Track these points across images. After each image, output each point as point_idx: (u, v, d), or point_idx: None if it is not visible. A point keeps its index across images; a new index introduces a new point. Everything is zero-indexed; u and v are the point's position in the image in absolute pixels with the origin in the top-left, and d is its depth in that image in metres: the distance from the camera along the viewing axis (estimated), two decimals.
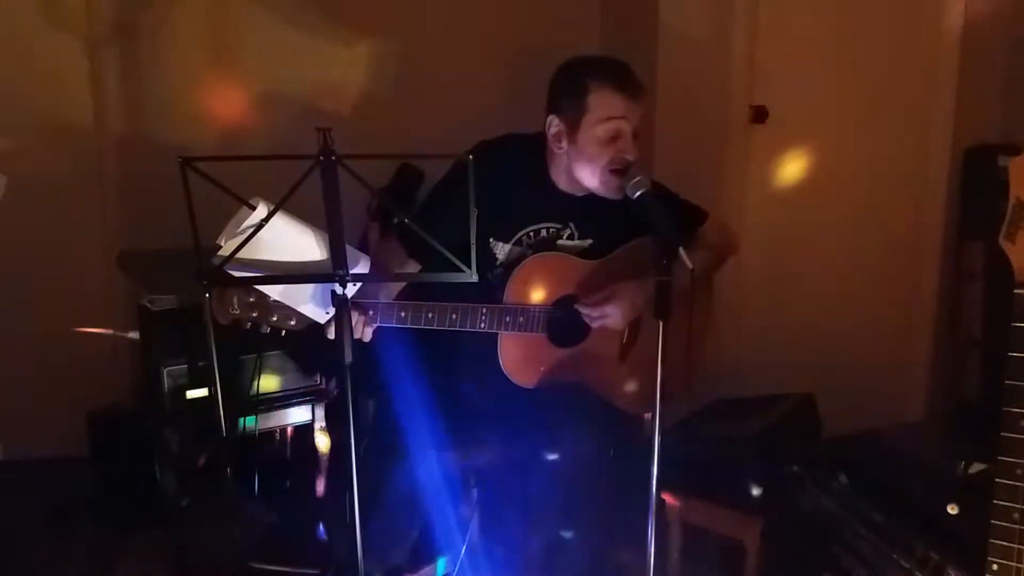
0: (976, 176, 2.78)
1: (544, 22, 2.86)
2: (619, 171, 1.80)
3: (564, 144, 1.85)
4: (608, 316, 1.84)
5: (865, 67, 2.72)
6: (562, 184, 1.93)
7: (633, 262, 1.93)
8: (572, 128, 1.83)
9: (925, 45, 2.74)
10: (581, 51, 1.94)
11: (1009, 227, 1.29)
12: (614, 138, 1.81)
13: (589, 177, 1.85)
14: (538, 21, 2.86)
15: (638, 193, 1.71)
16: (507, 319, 1.81)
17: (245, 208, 1.44)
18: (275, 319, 1.59)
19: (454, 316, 1.75)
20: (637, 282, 1.86)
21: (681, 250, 1.57)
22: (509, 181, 1.86)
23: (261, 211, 1.42)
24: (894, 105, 2.76)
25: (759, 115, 2.67)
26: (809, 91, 2.70)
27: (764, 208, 2.75)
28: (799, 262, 2.81)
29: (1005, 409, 1.30)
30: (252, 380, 2.18)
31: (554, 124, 1.85)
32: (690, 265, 1.57)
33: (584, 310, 1.86)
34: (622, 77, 1.82)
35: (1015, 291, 1.27)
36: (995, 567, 1.33)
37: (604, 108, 1.80)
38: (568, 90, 1.83)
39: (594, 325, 1.87)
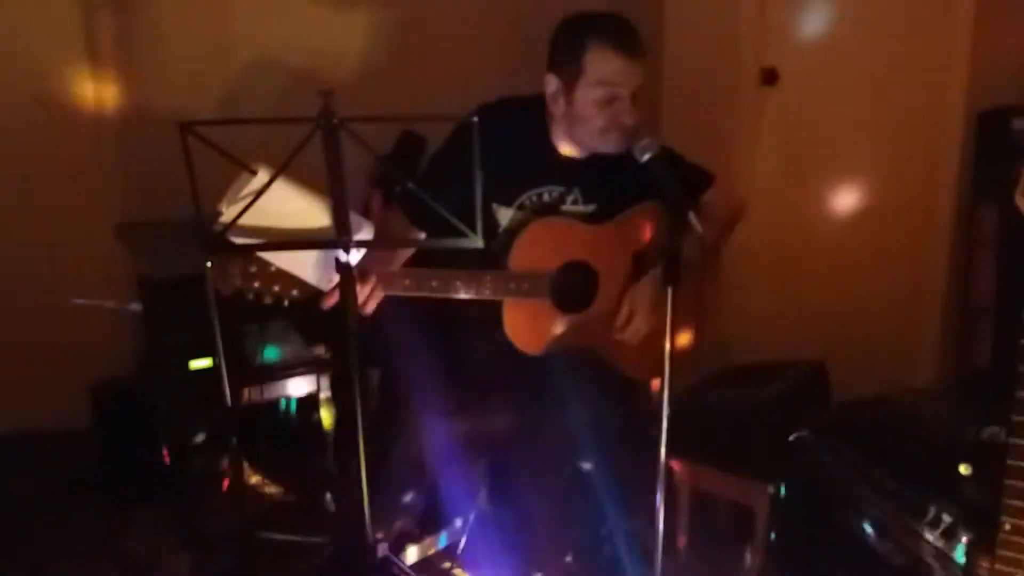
0: (989, 140, 2.74)
1: None
2: (615, 131, 1.76)
3: (562, 103, 1.82)
4: (642, 329, 1.85)
5: (878, 29, 2.67)
6: (563, 146, 1.90)
7: (638, 226, 1.90)
8: (569, 88, 1.79)
9: (938, 7, 2.68)
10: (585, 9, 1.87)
11: None
12: (611, 101, 1.77)
13: (586, 136, 1.82)
14: None
15: (646, 156, 1.67)
16: (511, 286, 1.79)
17: (246, 173, 1.41)
18: (277, 289, 1.57)
19: (458, 284, 1.73)
20: (646, 281, 1.85)
21: (691, 215, 1.54)
22: (509, 144, 1.81)
23: (263, 176, 1.40)
24: (907, 68, 2.71)
25: (770, 77, 2.62)
26: (821, 53, 2.65)
27: (774, 173, 2.72)
28: (809, 227, 2.78)
29: (1021, 369, 1.28)
30: (256, 350, 2.17)
31: (552, 83, 1.82)
32: (700, 230, 1.55)
33: (618, 337, 1.86)
34: (621, 36, 1.77)
35: None
36: (1008, 527, 1.32)
37: (601, 70, 1.75)
38: (566, 49, 1.79)
39: (635, 343, 1.87)
